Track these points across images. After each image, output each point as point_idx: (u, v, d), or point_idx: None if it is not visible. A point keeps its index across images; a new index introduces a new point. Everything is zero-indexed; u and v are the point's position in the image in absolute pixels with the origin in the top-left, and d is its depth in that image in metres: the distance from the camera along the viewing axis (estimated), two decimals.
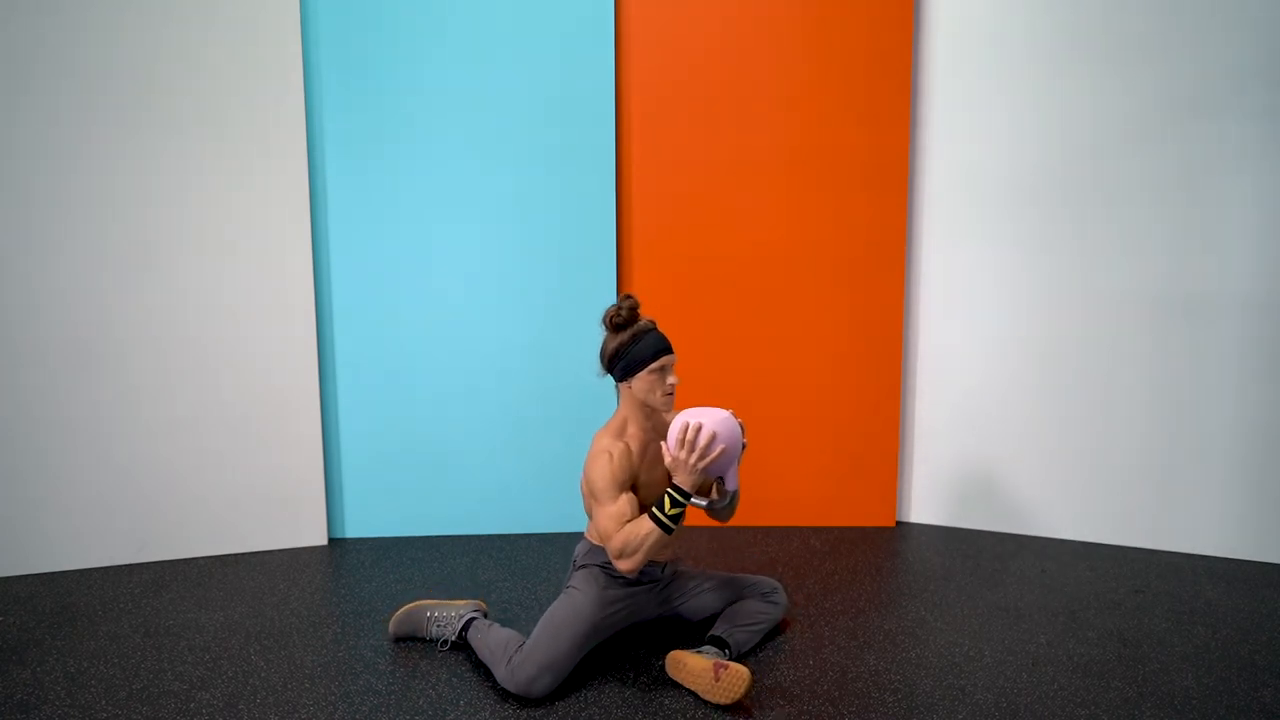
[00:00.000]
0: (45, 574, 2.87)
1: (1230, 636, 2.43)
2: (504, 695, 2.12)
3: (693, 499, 2.11)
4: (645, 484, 2.24)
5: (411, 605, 2.39)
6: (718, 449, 2.06)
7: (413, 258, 3.11)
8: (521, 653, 2.12)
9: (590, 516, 2.23)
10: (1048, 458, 3.19)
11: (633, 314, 2.17)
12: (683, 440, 2.06)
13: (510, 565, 2.95)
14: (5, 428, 2.80)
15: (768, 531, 3.28)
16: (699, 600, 2.40)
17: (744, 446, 2.18)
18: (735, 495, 2.20)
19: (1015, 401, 3.20)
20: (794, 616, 2.55)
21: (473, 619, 2.32)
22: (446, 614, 2.36)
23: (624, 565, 2.08)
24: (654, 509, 2.08)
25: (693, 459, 2.05)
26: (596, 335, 3.18)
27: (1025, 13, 3.03)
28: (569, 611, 2.17)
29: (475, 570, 2.90)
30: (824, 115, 3.12)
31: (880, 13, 3.06)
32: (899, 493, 3.39)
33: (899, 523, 3.37)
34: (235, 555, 3.03)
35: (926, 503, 3.37)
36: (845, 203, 3.16)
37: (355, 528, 3.21)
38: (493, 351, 3.17)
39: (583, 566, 2.28)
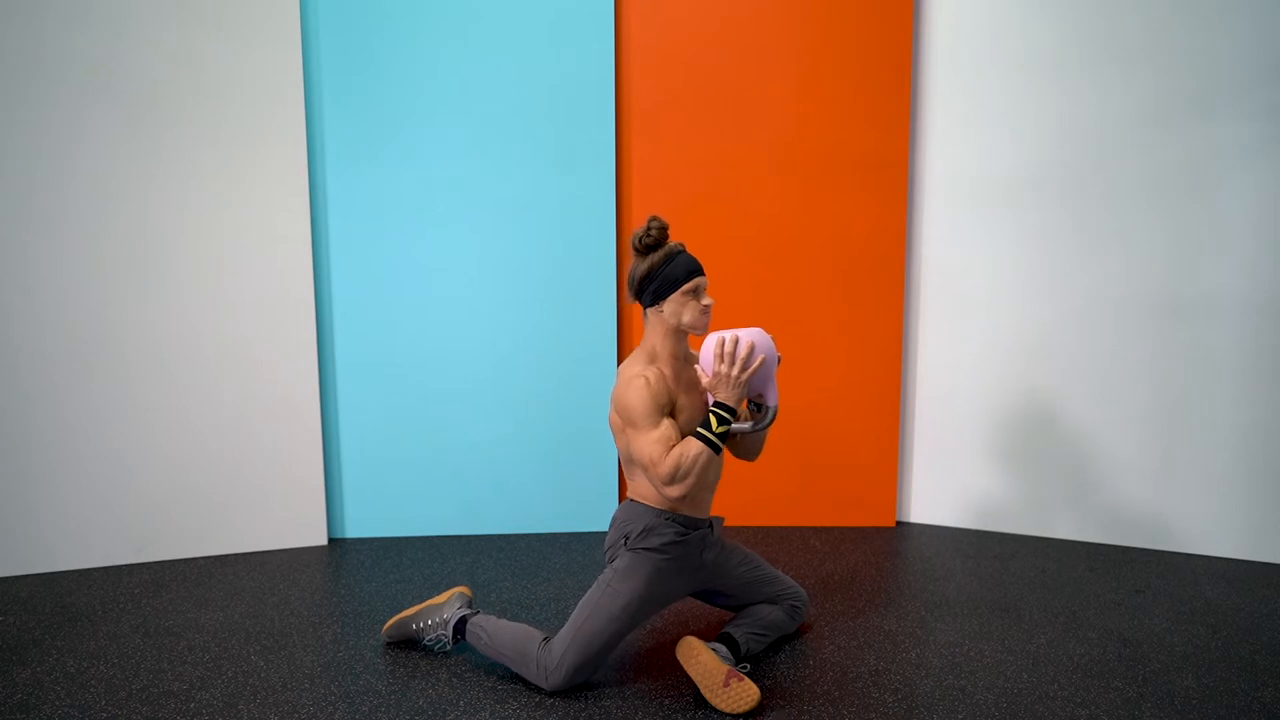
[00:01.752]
0: (45, 574, 2.87)
1: (1230, 636, 2.43)
2: (504, 695, 2.12)
3: (736, 424, 2.07)
4: (683, 407, 2.15)
5: (395, 619, 2.35)
6: (758, 359, 2.03)
7: (413, 257, 3.11)
8: (551, 653, 2.10)
9: (627, 459, 2.17)
10: (1048, 458, 3.19)
11: (662, 234, 2.11)
12: (721, 355, 2.02)
13: (510, 565, 2.95)
14: (5, 428, 2.80)
15: (768, 531, 3.28)
16: (739, 588, 2.33)
17: (779, 359, 2.13)
18: (774, 412, 2.14)
19: (1015, 401, 3.20)
20: None
21: (463, 619, 2.28)
22: (433, 620, 2.31)
23: (675, 491, 2.03)
24: (699, 429, 2.04)
25: (734, 371, 2.01)
26: (597, 335, 3.18)
27: (1025, 12, 3.03)
28: (605, 615, 2.11)
29: (475, 570, 2.90)
30: (824, 115, 3.12)
31: (880, 12, 3.06)
32: (899, 493, 3.39)
33: (899, 523, 3.37)
34: (235, 555, 3.03)
35: (926, 503, 3.37)
36: (846, 202, 3.16)
37: (355, 528, 3.21)
38: (493, 351, 3.17)
39: (634, 549, 2.17)
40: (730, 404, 2.04)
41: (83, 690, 2.14)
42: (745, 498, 3.33)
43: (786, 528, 3.32)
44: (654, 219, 2.11)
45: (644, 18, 3.11)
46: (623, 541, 2.20)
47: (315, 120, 3.02)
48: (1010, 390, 3.20)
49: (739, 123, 3.14)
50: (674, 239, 3.19)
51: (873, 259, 3.18)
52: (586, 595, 2.17)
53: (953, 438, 3.30)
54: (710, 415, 2.04)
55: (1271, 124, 2.82)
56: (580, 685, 2.14)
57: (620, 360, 3.27)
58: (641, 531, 2.17)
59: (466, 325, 3.15)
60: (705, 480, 2.16)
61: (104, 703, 2.08)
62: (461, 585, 2.43)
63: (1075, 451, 3.15)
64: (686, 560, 2.21)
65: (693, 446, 2.02)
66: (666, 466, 2.02)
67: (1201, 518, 3.04)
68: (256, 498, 3.05)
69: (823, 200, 3.16)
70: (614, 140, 3.11)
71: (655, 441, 2.04)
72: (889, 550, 3.09)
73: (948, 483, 3.33)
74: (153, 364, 2.91)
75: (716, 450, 2.04)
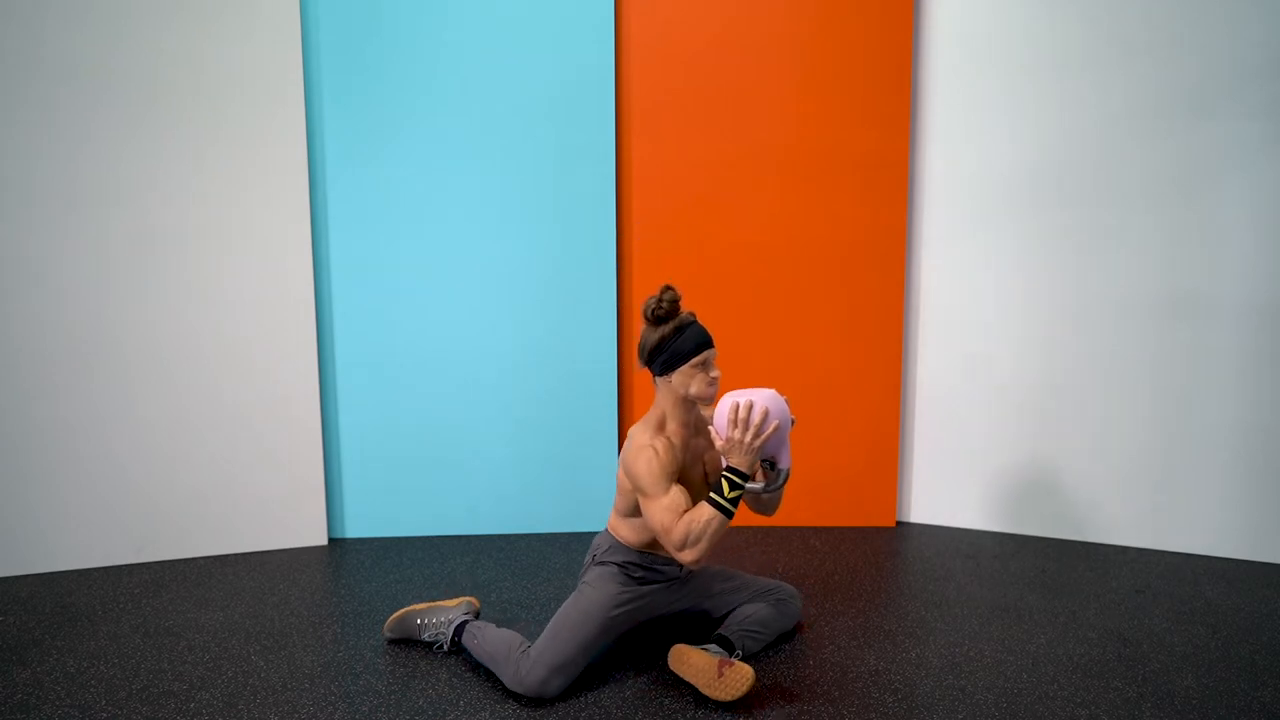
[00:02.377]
0: (45, 574, 2.87)
1: (1230, 636, 2.43)
2: (504, 695, 2.11)
3: (748, 484, 2.07)
4: (686, 481, 2.19)
5: (402, 612, 2.38)
6: (771, 425, 2.03)
7: (412, 257, 3.11)
8: (529, 656, 2.11)
9: (621, 512, 2.22)
10: (1048, 458, 3.19)
11: (674, 306, 2.12)
12: (735, 420, 2.02)
13: (510, 565, 2.95)
14: (5, 428, 2.80)
15: (768, 531, 3.28)
16: (714, 600, 2.38)
17: (793, 422, 2.14)
18: (787, 475, 2.14)
19: (1015, 401, 3.20)
20: None
21: (464, 623, 2.31)
22: (437, 619, 2.34)
23: (688, 556, 2.03)
24: (712, 494, 2.03)
25: (748, 437, 2.01)
26: (596, 335, 3.18)
27: (1025, 12, 3.03)
28: (579, 613, 2.16)
29: (475, 570, 2.90)
30: (824, 115, 3.12)
31: (880, 13, 3.06)
32: (899, 493, 3.39)
33: (899, 523, 3.37)
34: (235, 555, 3.03)
35: (926, 503, 3.37)
36: (845, 203, 3.16)
37: (355, 528, 3.21)
38: (492, 351, 3.17)
39: (600, 563, 2.26)
40: (743, 469, 2.03)
41: (83, 690, 2.14)
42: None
43: (786, 528, 3.32)
44: (667, 290, 2.11)
45: (644, 18, 3.11)
46: (591, 559, 2.30)
47: (315, 120, 3.02)
48: (1010, 390, 3.20)
49: (739, 123, 3.14)
50: (673, 239, 3.19)
51: (872, 259, 3.18)
52: (562, 605, 2.22)
53: (953, 438, 3.30)
54: (722, 480, 2.04)
55: (1271, 123, 2.82)
56: (563, 693, 2.13)
57: (620, 360, 3.27)
58: (608, 549, 2.27)
59: (466, 325, 3.15)
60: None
61: (104, 703, 2.08)
62: (471, 596, 2.48)
63: (1075, 451, 3.15)
64: (654, 578, 2.28)
65: (704, 512, 2.02)
66: (677, 534, 2.03)
67: (1201, 518, 3.04)
68: (256, 498, 3.05)
69: (823, 201, 3.16)
70: (614, 140, 3.11)
71: (665, 509, 2.06)
72: (889, 550, 3.09)
73: (947, 483, 3.33)
74: (153, 364, 2.91)
75: (728, 515, 2.03)
